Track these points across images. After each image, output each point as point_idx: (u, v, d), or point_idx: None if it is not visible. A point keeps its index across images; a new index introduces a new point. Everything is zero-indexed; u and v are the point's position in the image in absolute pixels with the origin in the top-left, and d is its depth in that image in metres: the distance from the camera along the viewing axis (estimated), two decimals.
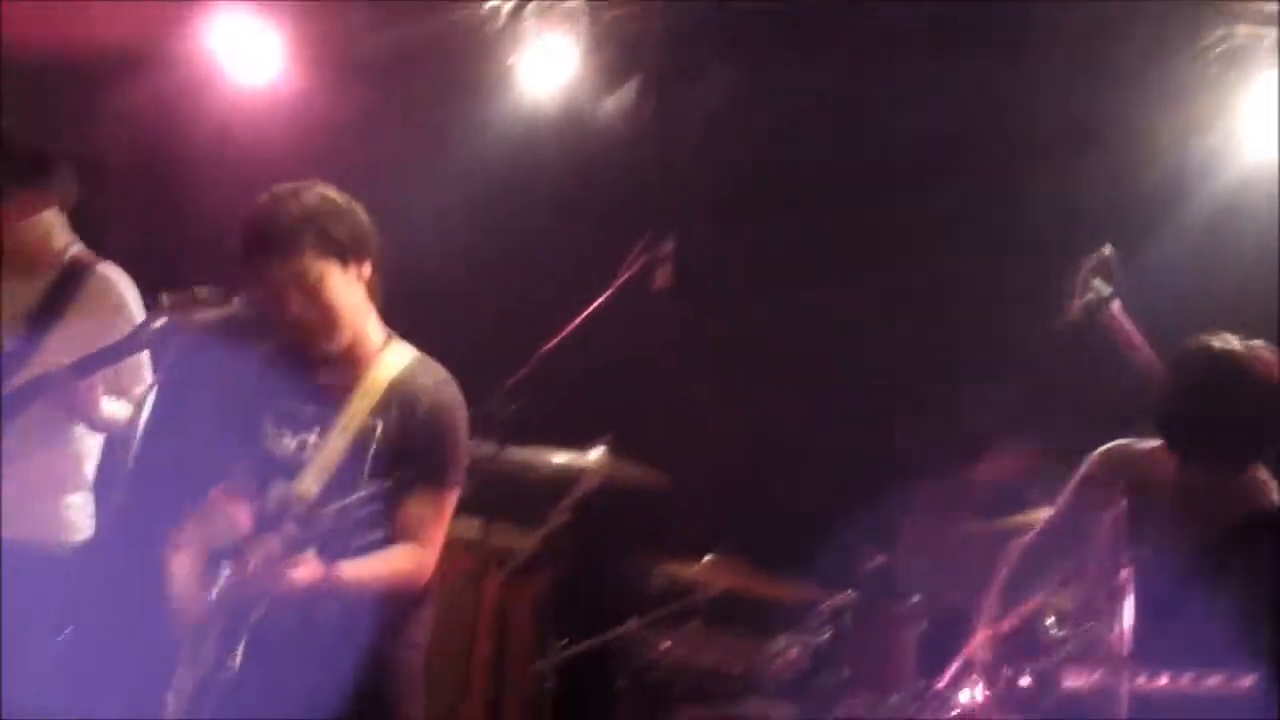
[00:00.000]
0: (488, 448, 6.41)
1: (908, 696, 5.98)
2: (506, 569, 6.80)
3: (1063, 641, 4.82)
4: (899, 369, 7.38)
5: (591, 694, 6.73)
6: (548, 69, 7.78)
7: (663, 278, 6.46)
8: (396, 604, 4.55)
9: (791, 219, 7.59)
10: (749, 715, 6.27)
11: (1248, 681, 4.28)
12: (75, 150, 6.04)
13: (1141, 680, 4.17)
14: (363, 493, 4.19)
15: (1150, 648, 4.25)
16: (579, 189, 7.98)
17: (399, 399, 4.52)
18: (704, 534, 6.73)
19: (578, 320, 6.35)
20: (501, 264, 7.91)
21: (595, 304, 6.40)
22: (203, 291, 4.63)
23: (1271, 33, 6.52)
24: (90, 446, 5.82)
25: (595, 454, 6.64)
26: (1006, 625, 5.01)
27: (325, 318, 4.47)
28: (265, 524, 4.40)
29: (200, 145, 7.88)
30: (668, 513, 7.05)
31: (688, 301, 6.96)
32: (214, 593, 4.35)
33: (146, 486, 4.51)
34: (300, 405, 4.58)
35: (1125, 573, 4.18)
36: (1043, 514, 5.62)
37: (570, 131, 8.00)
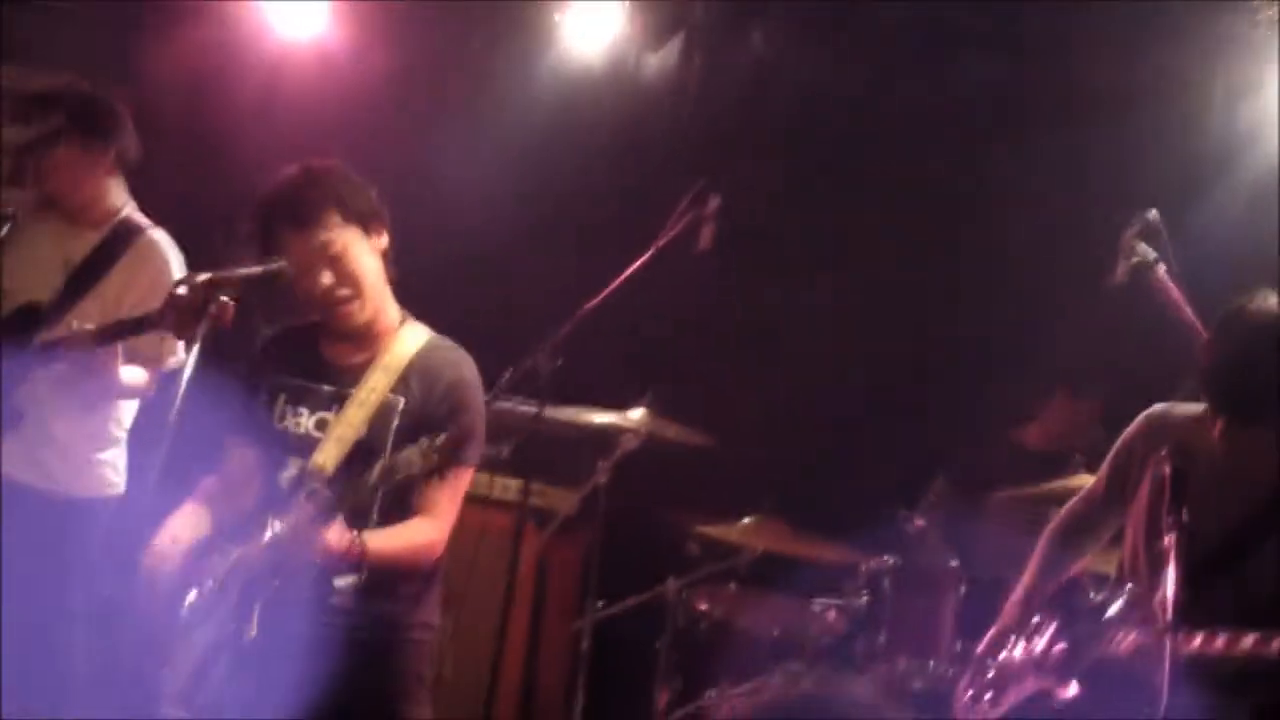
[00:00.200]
0: (529, 407, 6.42)
1: (946, 661, 5.99)
2: (546, 529, 6.78)
3: (1101, 605, 4.77)
4: (947, 330, 7.33)
5: (629, 654, 6.71)
6: (593, 25, 7.78)
7: (707, 237, 6.39)
8: (410, 581, 4.55)
9: (837, 177, 7.54)
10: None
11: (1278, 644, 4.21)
12: (125, 103, 6.07)
13: (1178, 642, 4.09)
14: (424, 443, 4.16)
15: (1194, 612, 4.16)
16: (623, 145, 7.99)
17: (420, 375, 4.54)
18: (744, 495, 6.70)
19: (620, 279, 6.30)
20: (546, 221, 7.89)
21: (638, 263, 6.35)
22: (245, 266, 4.60)
23: None
24: (124, 405, 5.85)
25: (636, 414, 6.61)
26: (1047, 591, 4.95)
27: (351, 287, 4.50)
28: (279, 501, 4.41)
29: (247, 99, 7.88)
30: (708, 474, 7.02)
31: (731, 260, 6.90)
32: (224, 563, 4.36)
33: (185, 449, 4.49)
34: (317, 384, 4.58)
35: (1169, 538, 4.11)
36: (1083, 479, 5.59)
37: (615, 88, 8.02)
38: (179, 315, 4.69)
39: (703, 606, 6.52)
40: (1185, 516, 4.13)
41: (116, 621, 5.67)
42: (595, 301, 6.28)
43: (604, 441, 6.65)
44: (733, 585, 6.64)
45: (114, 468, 5.88)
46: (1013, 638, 5.07)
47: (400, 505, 4.44)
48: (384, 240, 4.61)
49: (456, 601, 6.48)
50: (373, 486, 4.21)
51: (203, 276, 4.45)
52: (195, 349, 4.42)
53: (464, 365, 4.64)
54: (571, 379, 6.24)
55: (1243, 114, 6.88)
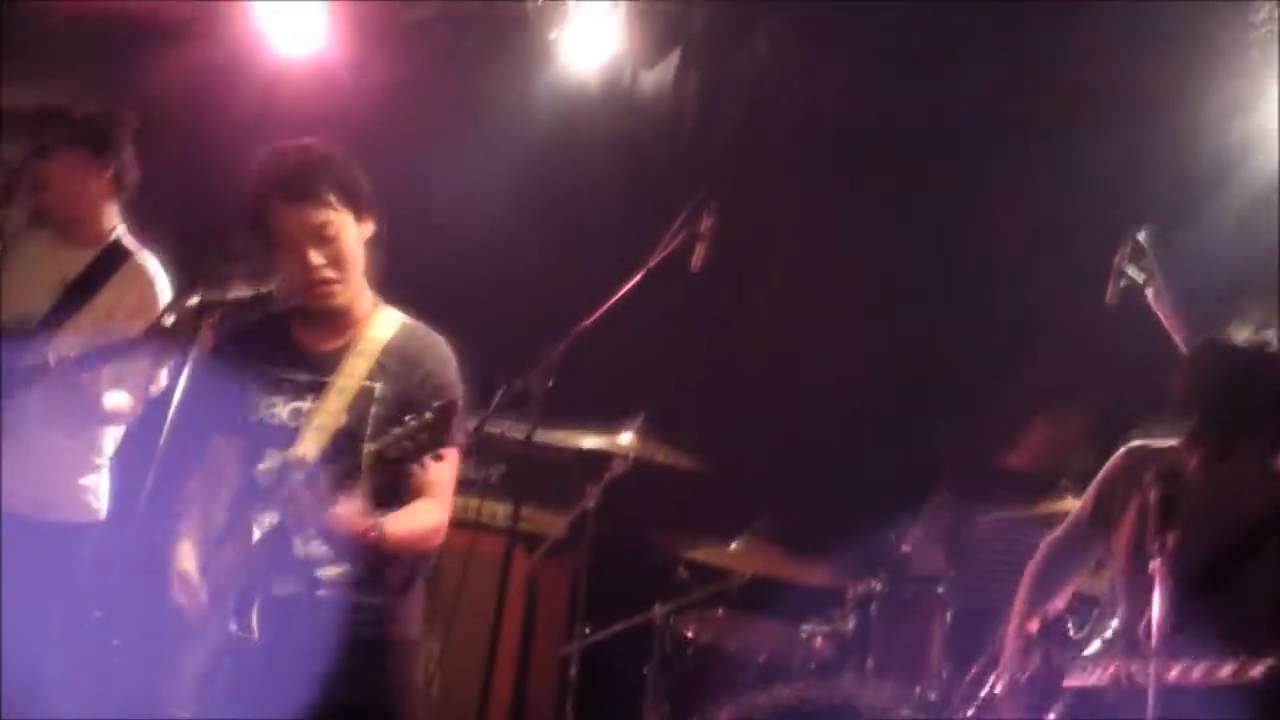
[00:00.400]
0: (518, 431, 6.39)
1: (933, 685, 5.97)
2: (535, 553, 6.78)
3: (1080, 636, 4.78)
4: (940, 351, 7.30)
5: (617, 679, 6.68)
6: (590, 42, 7.76)
7: (699, 257, 6.36)
8: (397, 572, 4.53)
9: (834, 194, 7.51)
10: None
11: (1259, 670, 4.21)
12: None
13: (1156, 673, 4.08)
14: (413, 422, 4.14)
15: (1180, 640, 4.22)
16: (619, 163, 7.95)
17: (397, 359, 4.53)
18: (732, 520, 6.67)
19: (614, 298, 6.28)
20: (541, 238, 7.87)
21: (631, 282, 6.32)
22: (236, 288, 4.58)
23: None
24: (107, 430, 5.84)
25: (625, 437, 6.62)
26: (1035, 620, 4.94)
27: (336, 270, 4.48)
28: (257, 495, 4.39)
29: (244, 115, 7.87)
30: (696, 498, 6.98)
31: (726, 279, 6.88)
32: (232, 556, 4.34)
33: (174, 470, 4.48)
34: (292, 372, 4.55)
35: (1154, 565, 4.12)
36: (1070, 504, 5.57)
37: (612, 104, 8.00)
38: (165, 340, 4.71)
39: (691, 631, 6.50)
40: (1171, 542, 4.12)
41: (108, 643, 5.69)
42: (588, 322, 6.26)
43: (593, 465, 6.66)
44: (721, 610, 6.61)
45: (95, 493, 5.88)
46: (997, 671, 5.08)
47: (394, 490, 4.42)
48: (370, 227, 4.58)
49: (445, 625, 6.46)
50: (366, 471, 4.16)
51: (192, 301, 4.46)
52: (185, 373, 4.43)
53: (440, 346, 4.63)
54: (562, 400, 6.22)
55: (1237, 128, 6.84)
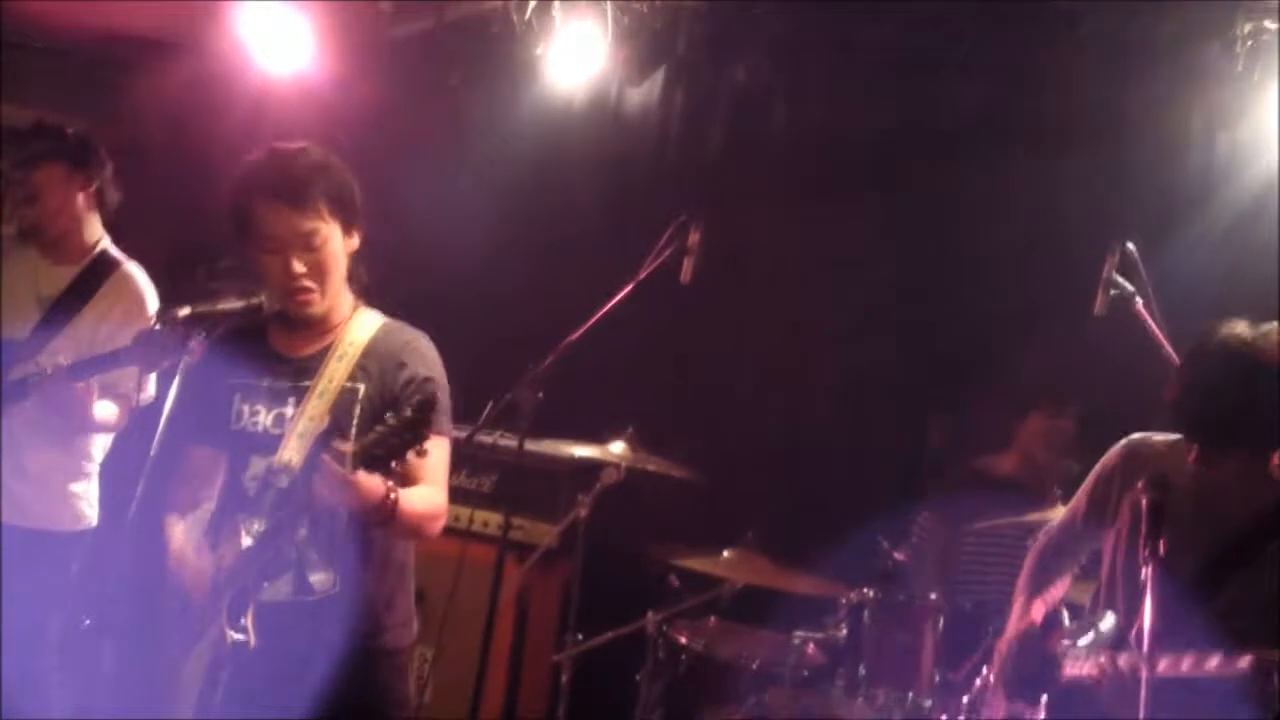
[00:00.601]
0: (508, 441, 6.39)
1: (926, 693, 5.99)
2: (526, 562, 6.75)
3: (1073, 634, 4.79)
4: (929, 359, 7.34)
5: (609, 688, 6.68)
6: (575, 58, 7.81)
7: (688, 270, 6.40)
8: (384, 579, 4.53)
9: (819, 207, 7.55)
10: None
11: (1245, 662, 4.22)
12: (109, 136, 6.11)
13: (1143, 665, 4.09)
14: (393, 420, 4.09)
15: (1172, 642, 4.20)
16: (606, 178, 8.00)
17: (377, 359, 4.48)
18: (724, 529, 6.67)
19: (602, 311, 6.31)
20: (527, 253, 7.92)
21: (619, 295, 6.35)
22: (225, 300, 4.57)
23: None
24: (96, 438, 5.85)
25: (617, 447, 6.62)
26: (1030, 620, 4.96)
27: (317, 281, 4.43)
28: (243, 502, 4.40)
29: (231, 133, 7.88)
30: (688, 507, 7.03)
31: (713, 291, 6.90)
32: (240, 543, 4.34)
33: (162, 480, 4.48)
34: (272, 380, 4.51)
35: (1147, 569, 4.11)
36: (1060, 511, 5.61)
37: (597, 120, 8.06)
38: (149, 351, 4.71)
39: (683, 639, 6.48)
40: (1162, 549, 4.13)
41: (98, 651, 5.70)
42: (576, 334, 6.29)
43: (585, 475, 6.67)
44: (713, 618, 6.63)
45: (87, 501, 5.91)
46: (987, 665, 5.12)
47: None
48: (357, 242, 4.54)
49: (437, 634, 6.47)
50: (354, 462, 4.10)
51: (182, 312, 4.45)
52: (174, 383, 4.43)
53: (420, 341, 4.59)
54: (553, 411, 6.24)
55: (1221, 143, 6.90)
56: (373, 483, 4.13)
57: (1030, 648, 4.86)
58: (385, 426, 4.07)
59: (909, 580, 6.39)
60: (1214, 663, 4.26)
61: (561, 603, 6.87)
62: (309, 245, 4.38)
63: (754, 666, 6.33)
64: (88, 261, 5.92)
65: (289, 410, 4.45)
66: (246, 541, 4.31)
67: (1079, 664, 4.63)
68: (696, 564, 6.61)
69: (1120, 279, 5.58)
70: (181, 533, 4.52)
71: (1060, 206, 7.17)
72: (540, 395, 6.17)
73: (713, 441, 7.38)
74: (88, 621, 4.60)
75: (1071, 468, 6.28)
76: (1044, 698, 4.71)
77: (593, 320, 6.32)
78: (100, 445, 5.91)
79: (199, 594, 4.35)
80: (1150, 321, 5.59)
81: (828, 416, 7.50)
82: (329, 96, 7.93)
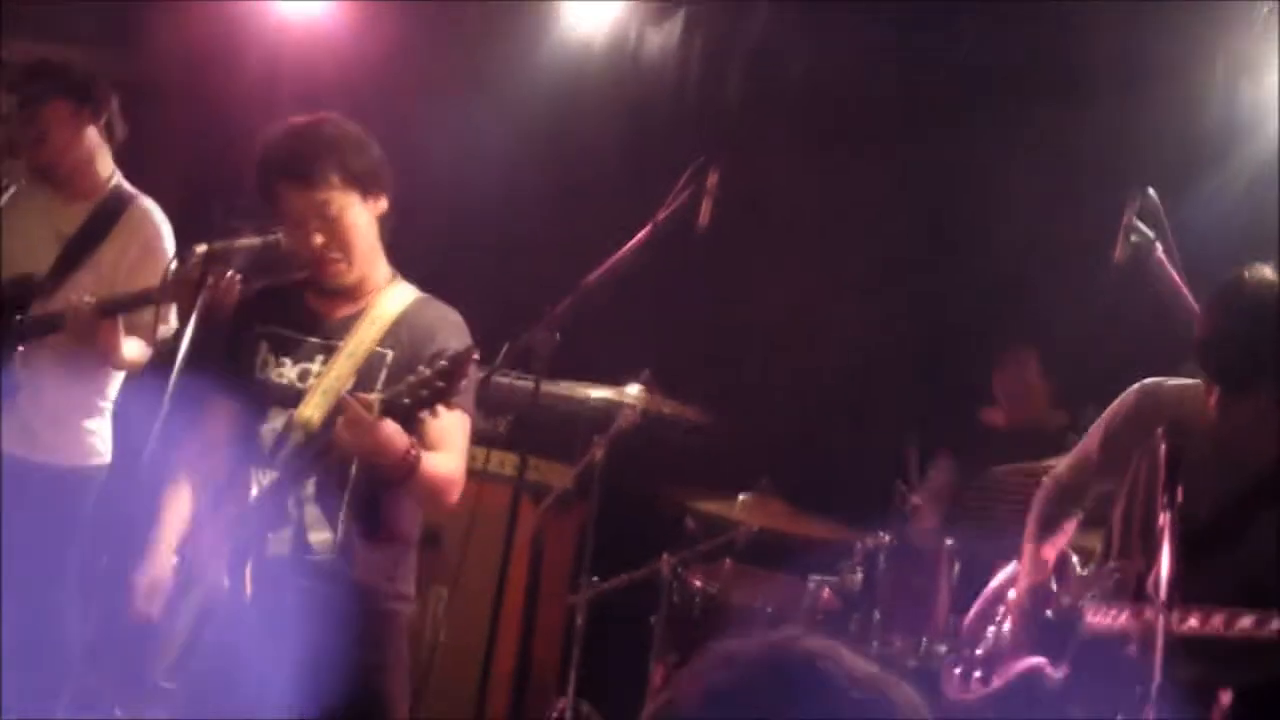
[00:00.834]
0: (525, 383, 6.40)
1: (940, 638, 5.99)
2: (542, 504, 6.77)
3: (1089, 580, 4.78)
4: (946, 309, 7.33)
5: (624, 630, 6.71)
6: (594, 3, 7.75)
7: (706, 212, 6.38)
8: (389, 545, 4.55)
9: (838, 153, 7.53)
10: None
11: (1277, 624, 4.20)
12: (126, 74, 6.08)
13: (1173, 621, 4.08)
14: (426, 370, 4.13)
15: (1190, 590, 4.16)
16: (624, 121, 7.98)
17: (409, 328, 4.53)
18: (740, 472, 6.69)
19: (619, 254, 6.30)
20: (547, 197, 7.90)
21: (637, 238, 6.34)
22: (244, 238, 4.59)
23: None
24: (111, 374, 5.85)
25: (633, 390, 6.61)
26: (1050, 549, 4.95)
27: (342, 250, 4.48)
28: (259, 454, 4.41)
29: (248, 73, 7.88)
30: (704, 450, 7.01)
31: (730, 237, 6.89)
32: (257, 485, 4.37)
33: (177, 420, 4.48)
34: (302, 335, 4.55)
35: (1163, 517, 4.10)
36: None
37: (616, 63, 8.03)
38: (178, 289, 4.71)
39: (698, 583, 6.51)
40: (1180, 497, 4.12)
41: (113, 589, 5.70)
42: (593, 277, 6.28)
43: (601, 417, 6.66)
44: (728, 562, 6.64)
45: (102, 437, 5.91)
46: (1000, 611, 5.09)
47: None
48: (382, 204, 4.58)
49: (452, 575, 6.51)
50: (380, 408, 4.13)
51: (200, 249, 4.46)
52: (192, 320, 4.44)
53: (453, 316, 4.65)
54: (569, 354, 6.24)
55: (1244, 94, 6.87)
56: (397, 433, 4.15)
57: (1047, 599, 4.86)
58: (416, 377, 4.12)
59: (922, 525, 6.39)
60: (1246, 622, 4.23)
61: (577, 545, 6.89)
62: (324, 215, 4.43)
63: (768, 610, 6.36)
64: (102, 197, 5.89)
65: (315, 367, 4.49)
66: (254, 492, 4.34)
67: (1101, 615, 4.62)
68: (712, 507, 6.64)
69: (1141, 225, 5.55)
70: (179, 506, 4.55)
71: (1082, 157, 7.14)
72: (557, 337, 6.16)
73: (729, 385, 7.40)
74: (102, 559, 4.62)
75: (1087, 413, 6.26)
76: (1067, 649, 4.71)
77: (610, 263, 6.30)
78: (114, 382, 5.91)
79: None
80: (1170, 269, 5.56)
81: (845, 361, 7.49)
82: (347, 38, 7.91)
